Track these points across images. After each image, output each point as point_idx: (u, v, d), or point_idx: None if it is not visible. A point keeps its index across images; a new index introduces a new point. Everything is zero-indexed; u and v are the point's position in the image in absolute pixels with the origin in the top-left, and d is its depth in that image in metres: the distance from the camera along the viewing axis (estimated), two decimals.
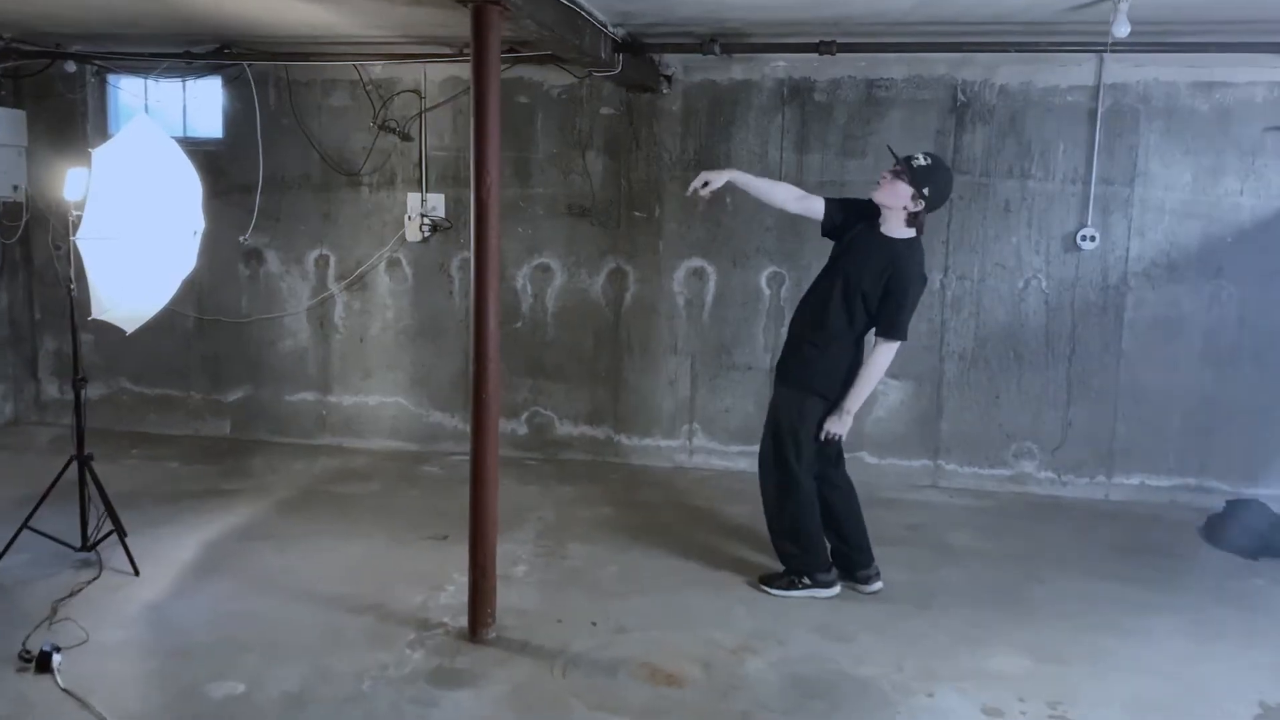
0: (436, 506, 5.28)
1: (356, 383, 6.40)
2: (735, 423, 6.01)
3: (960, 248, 5.67)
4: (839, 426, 4.10)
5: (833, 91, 5.69)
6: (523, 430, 6.25)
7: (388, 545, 4.73)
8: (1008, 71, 5.51)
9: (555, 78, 5.92)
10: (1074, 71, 5.46)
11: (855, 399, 4.06)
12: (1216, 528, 5.09)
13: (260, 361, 6.47)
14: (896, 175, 3.98)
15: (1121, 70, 5.40)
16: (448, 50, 5.73)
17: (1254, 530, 4.93)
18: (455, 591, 4.16)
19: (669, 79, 5.81)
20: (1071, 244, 5.56)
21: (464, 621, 3.82)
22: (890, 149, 4.22)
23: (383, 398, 6.38)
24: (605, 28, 4.70)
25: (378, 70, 6.10)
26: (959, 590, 4.35)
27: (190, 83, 6.33)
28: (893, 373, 5.76)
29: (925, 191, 3.94)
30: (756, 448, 5.91)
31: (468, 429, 6.33)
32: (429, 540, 4.79)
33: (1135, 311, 5.57)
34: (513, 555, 4.55)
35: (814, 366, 4.12)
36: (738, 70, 5.75)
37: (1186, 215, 5.46)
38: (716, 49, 5.01)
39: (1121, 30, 3.89)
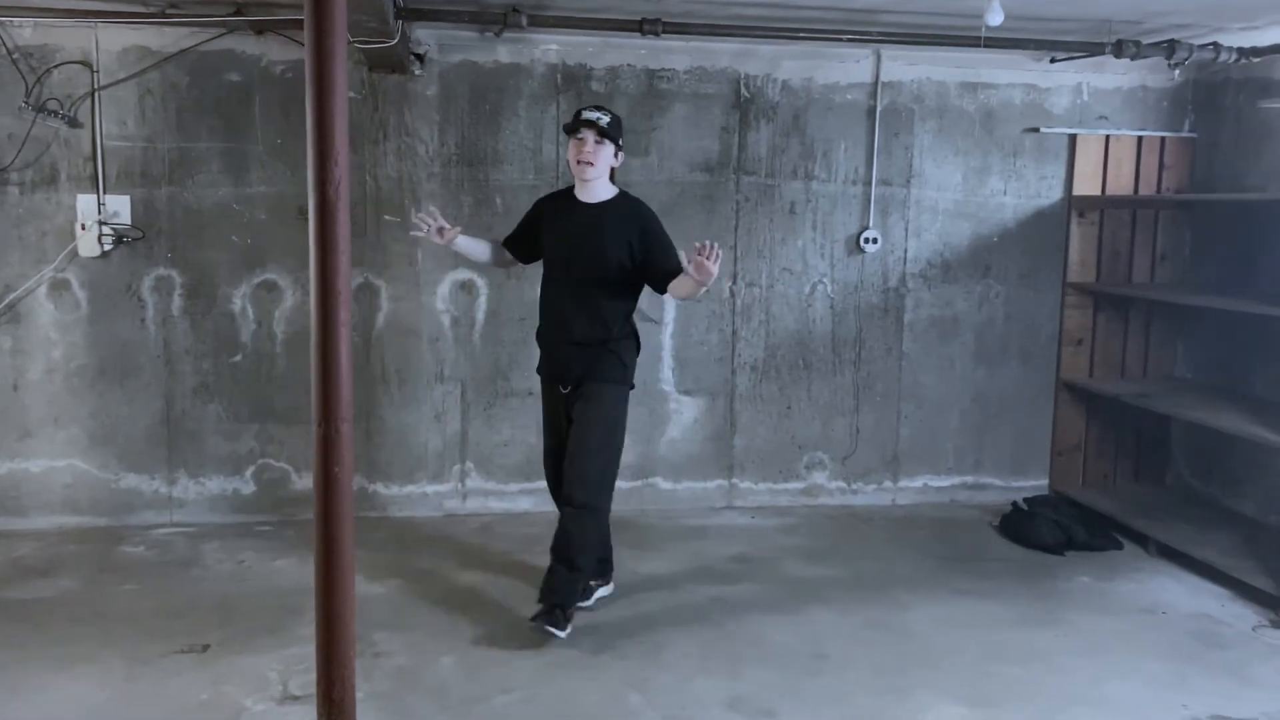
0: (168, 603, 4.07)
1: (11, 445, 4.86)
2: (515, 457, 5.24)
3: (748, 253, 5.31)
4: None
5: (611, 81, 5.10)
6: (249, 488, 5.07)
7: (130, 670, 3.49)
8: (790, 67, 5.22)
9: (277, 51, 4.82)
10: (853, 69, 5.28)
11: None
12: (1015, 526, 5.12)
13: None
14: (601, 137, 3.77)
15: (897, 69, 5.30)
16: (139, 10, 4.45)
17: (1054, 524, 5.00)
18: None
19: (421, 58, 4.92)
20: (855, 246, 5.40)
21: None
22: (584, 115, 3.80)
23: (51, 461, 4.90)
24: None
25: (28, 34, 4.64)
26: (840, 633, 3.94)
27: None
28: (686, 388, 5.34)
29: (621, 143, 3.88)
30: (539, 484, 5.28)
31: (173, 493, 5.08)
32: (185, 654, 3.62)
33: (914, 313, 5.51)
34: (311, 664, 3.50)
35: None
36: (503, 52, 4.98)
37: (957, 215, 5.48)
38: (523, 20, 4.18)
39: (995, 19, 3.65)
